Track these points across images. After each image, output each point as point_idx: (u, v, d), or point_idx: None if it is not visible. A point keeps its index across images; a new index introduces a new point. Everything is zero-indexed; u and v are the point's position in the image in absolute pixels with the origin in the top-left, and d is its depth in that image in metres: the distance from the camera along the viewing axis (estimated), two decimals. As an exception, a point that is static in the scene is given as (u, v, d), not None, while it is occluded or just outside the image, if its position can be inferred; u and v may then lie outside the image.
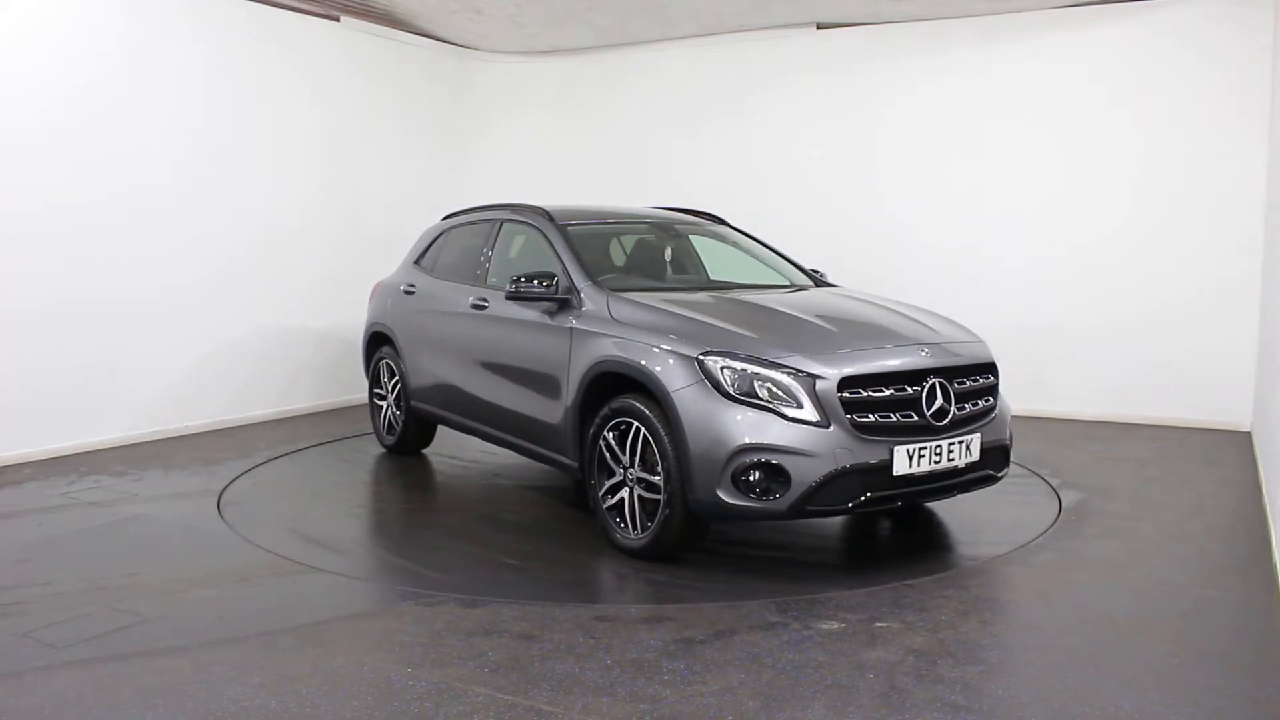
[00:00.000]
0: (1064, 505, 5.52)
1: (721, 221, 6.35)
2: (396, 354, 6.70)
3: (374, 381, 7.07)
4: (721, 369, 4.30)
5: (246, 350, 7.88)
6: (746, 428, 4.20)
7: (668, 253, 5.92)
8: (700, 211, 6.50)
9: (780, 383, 4.24)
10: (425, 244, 6.88)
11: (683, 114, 9.52)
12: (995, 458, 4.75)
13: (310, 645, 3.62)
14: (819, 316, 4.83)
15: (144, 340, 7.11)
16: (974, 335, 5.02)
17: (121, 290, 6.94)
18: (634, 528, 4.60)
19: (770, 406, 4.22)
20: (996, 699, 3.17)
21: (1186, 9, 7.64)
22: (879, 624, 3.82)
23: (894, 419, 4.33)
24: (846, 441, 4.20)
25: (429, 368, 6.36)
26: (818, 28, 8.86)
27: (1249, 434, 7.39)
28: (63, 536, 4.93)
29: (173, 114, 7.25)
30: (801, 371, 4.26)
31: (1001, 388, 4.94)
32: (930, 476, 4.40)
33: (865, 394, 4.30)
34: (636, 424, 4.51)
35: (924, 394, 4.40)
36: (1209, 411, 7.66)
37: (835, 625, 3.78)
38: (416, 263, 6.85)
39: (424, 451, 6.99)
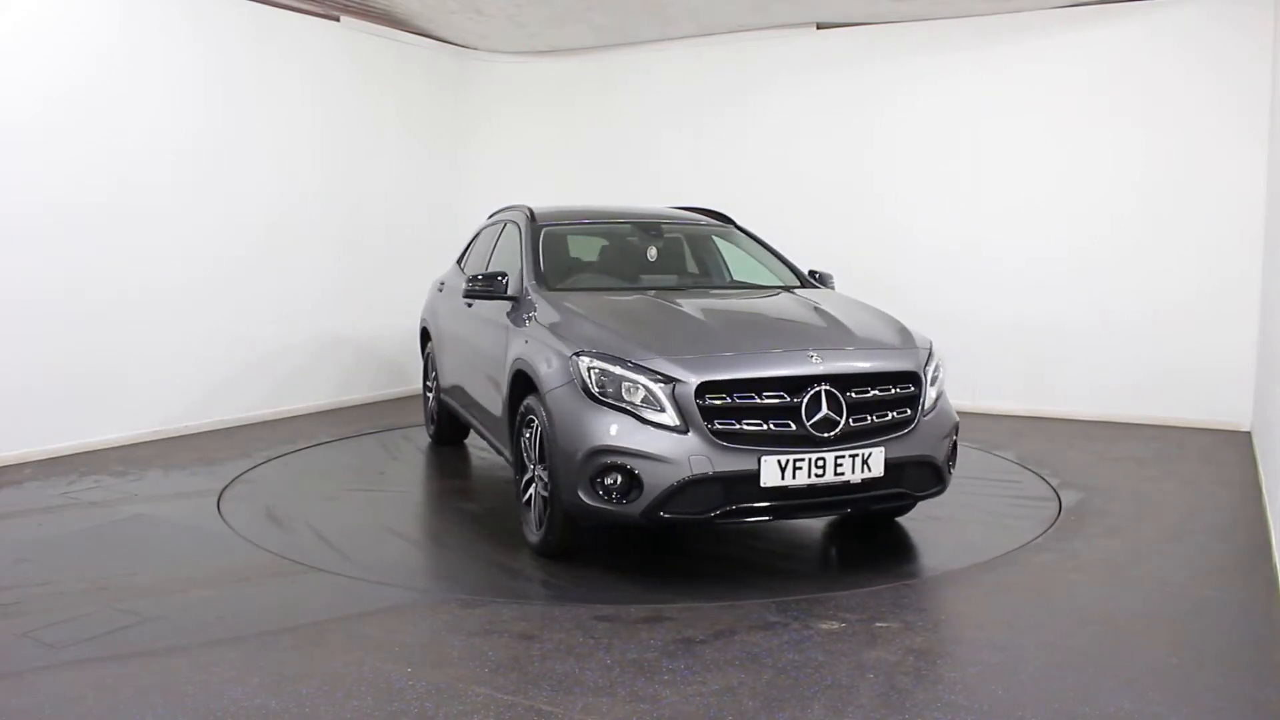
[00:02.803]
0: (1064, 505, 5.52)
1: (729, 221, 6.32)
2: (433, 348, 7.02)
3: (425, 374, 7.43)
4: (588, 370, 4.28)
5: (246, 350, 7.88)
6: (602, 430, 4.15)
7: (651, 253, 5.88)
8: (709, 211, 6.50)
9: (644, 385, 4.17)
10: (468, 242, 7.14)
11: (683, 114, 9.53)
12: (917, 475, 4.44)
13: (310, 645, 3.62)
14: (729, 321, 4.68)
15: (144, 340, 7.11)
16: (909, 343, 4.69)
17: (121, 290, 6.94)
18: (536, 524, 4.64)
19: (631, 409, 4.16)
20: (996, 699, 3.17)
21: (1186, 9, 7.64)
22: (879, 624, 3.82)
23: (766, 427, 4.13)
24: (704, 449, 4.06)
25: (447, 362, 6.62)
26: (818, 28, 8.87)
27: (1249, 434, 7.39)
28: (63, 536, 4.93)
29: (173, 114, 7.25)
30: (663, 375, 4.16)
31: (952, 399, 4.73)
32: (811, 490, 4.16)
33: (729, 400, 4.13)
34: (538, 422, 4.53)
35: (804, 402, 4.18)
36: (1209, 411, 7.66)
37: (835, 625, 3.78)
38: (458, 261, 7.10)
39: (465, 442, 7.20)
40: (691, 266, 6.06)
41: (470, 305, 5.92)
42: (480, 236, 6.84)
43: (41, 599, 4.06)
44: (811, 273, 5.87)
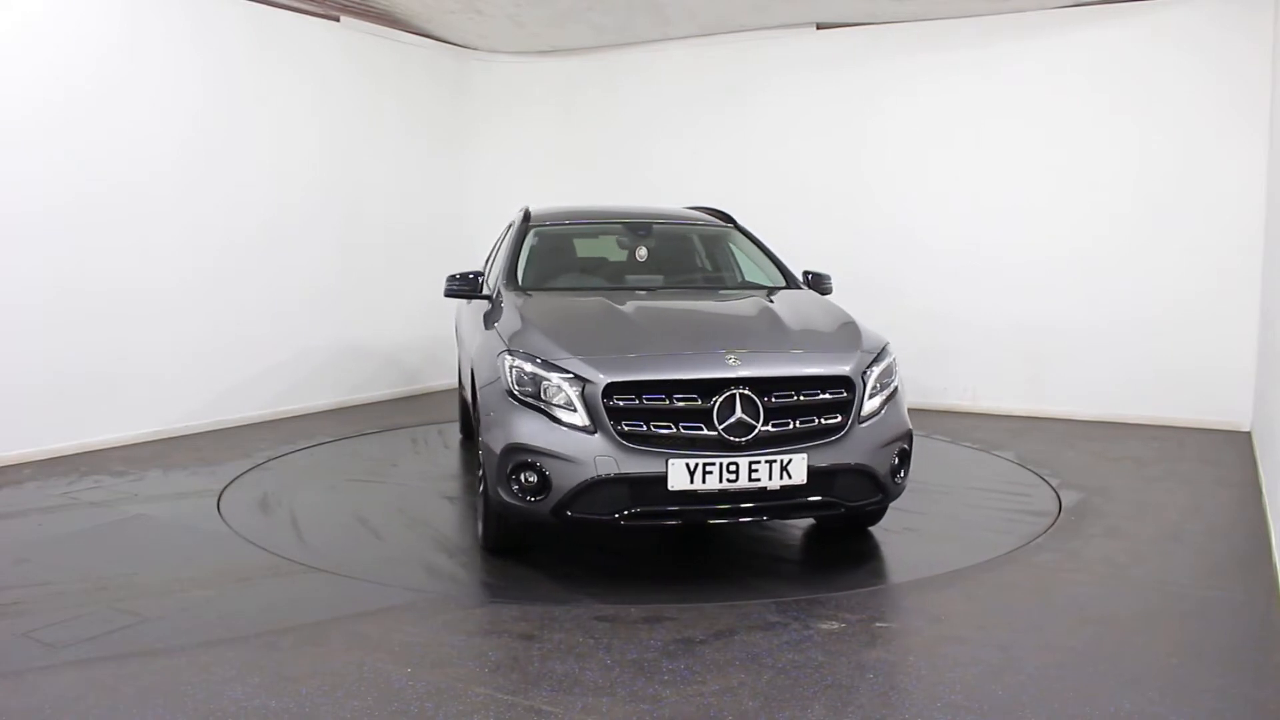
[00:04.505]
0: (1064, 505, 5.52)
1: (730, 221, 6.30)
2: None
3: (459, 370, 7.61)
4: (510, 368, 4.33)
5: (247, 350, 7.88)
6: (516, 428, 4.18)
7: (641, 253, 5.86)
8: (713, 210, 6.49)
9: (558, 385, 4.18)
10: (495, 240, 7.23)
11: (683, 114, 9.53)
12: (850, 484, 4.26)
13: (310, 645, 3.62)
14: (664, 322, 4.61)
15: (144, 340, 7.11)
16: (850, 347, 4.50)
17: (122, 290, 6.94)
18: (480, 520, 4.71)
19: (546, 409, 4.17)
20: (996, 699, 3.17)
21: (1186, 9, 7.64)
22: (879, 624, 3.82)
23: (674, 430, 4.07)
24: (610, 450, 4.03)
25: (460, 359, 6.74)
26: (818, 28, 8.87)
27: (1249, 434, 7.39)
28: (63, 536, 4.94)
29: (173, 114, 7.25)
30: (575, 375, 4.16)
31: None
32: (723, 495, 4.06)
33: (637, 402, 4.08)
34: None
35: (716, 406, 4.10)
36: (1209, 411, 7.66)
37: (835, 625, 3.78)
38: (486, 260, 7.18)
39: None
40: (684, 267, 6.01)
41: (469, 304, 5.98)
42: (500, 235, 6.91)
43: (41, 599, 4.06)
44: (806, 273, 5.80)
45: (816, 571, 4.62)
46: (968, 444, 7.18)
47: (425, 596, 4.19)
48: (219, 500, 5.63)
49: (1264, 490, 5.66)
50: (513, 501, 4.23)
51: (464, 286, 5.43)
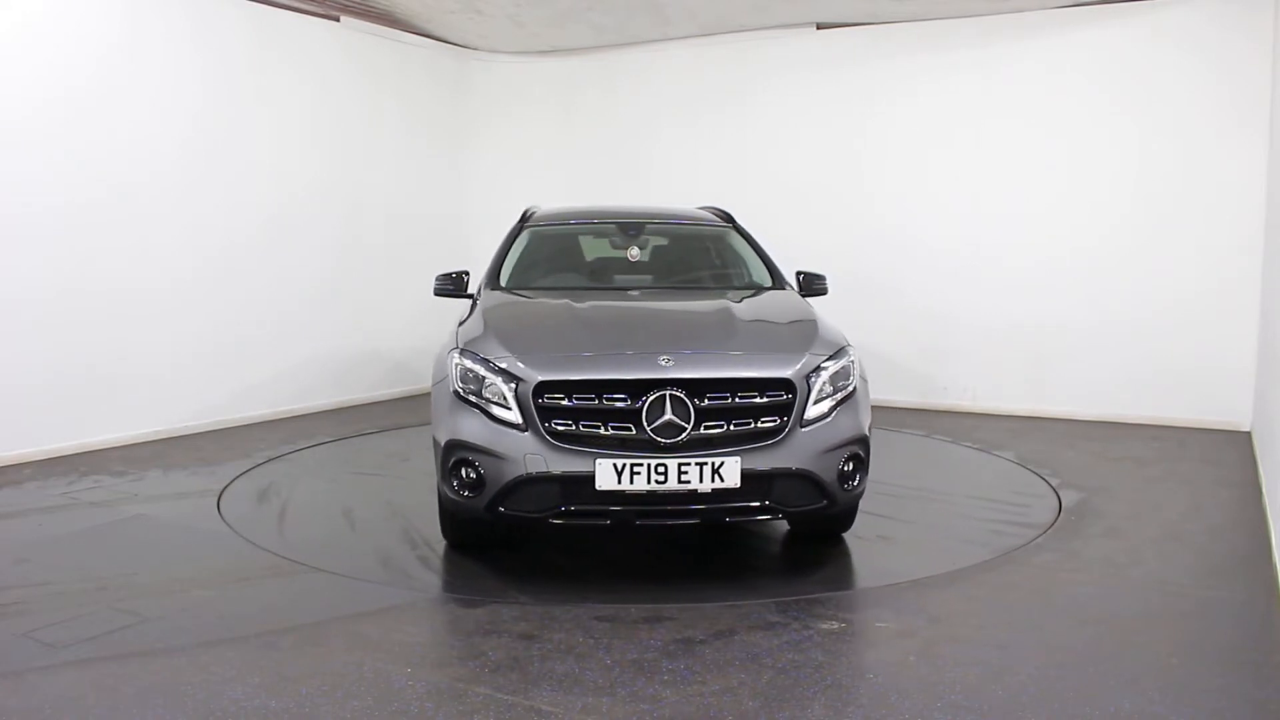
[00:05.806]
0: (1064, 505, 5.51)
1: (730, 221, 6.28)
2: None
3: None
4: (456, 366, 4.40)
5: (247, 350, 7.88)
6: (456, 425, 4.25)
7: (634, 253, 5.85)
8: (716, 210, 6.48)
9: (495, 383, 4.23)
10: None
11: (683, 114, 9.53)
12: (790, 489, 4.18)
13: (310, 645, 3.62)
14: (613, 323, 4.64)
15: (144, 340, 7.11)
16: (798, 349, 4.40)
17: (121, 290, 6.94)
18: (440, 516, 4.79)
19: (483, 407, 4.22)
20: (996, 699, 3.17)
21: (1186, 9, 7.64)
22: (879, 624, 3.82)
23: (602, 430, 4.07)
24: (540, 448, 4.06)
25: None
26: (818, 28, 8.87)
27: (1249, 434, 7.39)
28: (63, 536, 4.94)
29: (173, 114, 7.25)
30: (509, 373, 4.20)
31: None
32: (651, 497, 4.02)
33: (568, 401, 4.10)
34: None
35: (645, 406, 4.05)
36: (1209, 411, 7.66)
37: (835, 625, 3.78)
38: None
39: None
40: (676, 268, 5.96)
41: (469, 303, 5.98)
42: None
43: (41, 599, 4.06)
44: (800, 274, 5.76)
45: (817, 572, 4.61)
46: (968, 444, 7.17)
47: (425, 596, 4.19)
48: (219, 500, 5.63)
49: (1264, 490, 5.66)
50: (454, 497, 4.31)
51: (450, 285, 5.48)
